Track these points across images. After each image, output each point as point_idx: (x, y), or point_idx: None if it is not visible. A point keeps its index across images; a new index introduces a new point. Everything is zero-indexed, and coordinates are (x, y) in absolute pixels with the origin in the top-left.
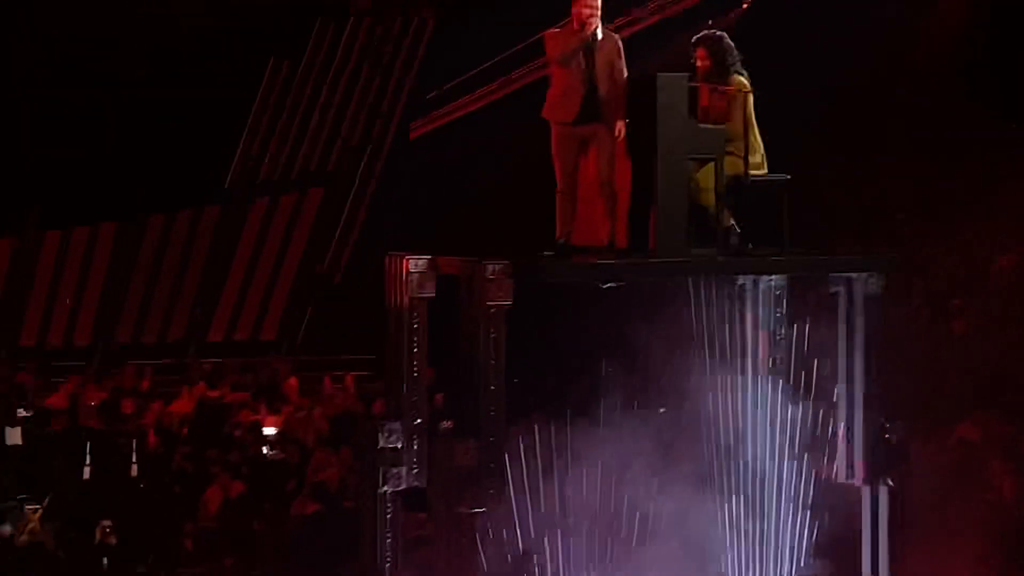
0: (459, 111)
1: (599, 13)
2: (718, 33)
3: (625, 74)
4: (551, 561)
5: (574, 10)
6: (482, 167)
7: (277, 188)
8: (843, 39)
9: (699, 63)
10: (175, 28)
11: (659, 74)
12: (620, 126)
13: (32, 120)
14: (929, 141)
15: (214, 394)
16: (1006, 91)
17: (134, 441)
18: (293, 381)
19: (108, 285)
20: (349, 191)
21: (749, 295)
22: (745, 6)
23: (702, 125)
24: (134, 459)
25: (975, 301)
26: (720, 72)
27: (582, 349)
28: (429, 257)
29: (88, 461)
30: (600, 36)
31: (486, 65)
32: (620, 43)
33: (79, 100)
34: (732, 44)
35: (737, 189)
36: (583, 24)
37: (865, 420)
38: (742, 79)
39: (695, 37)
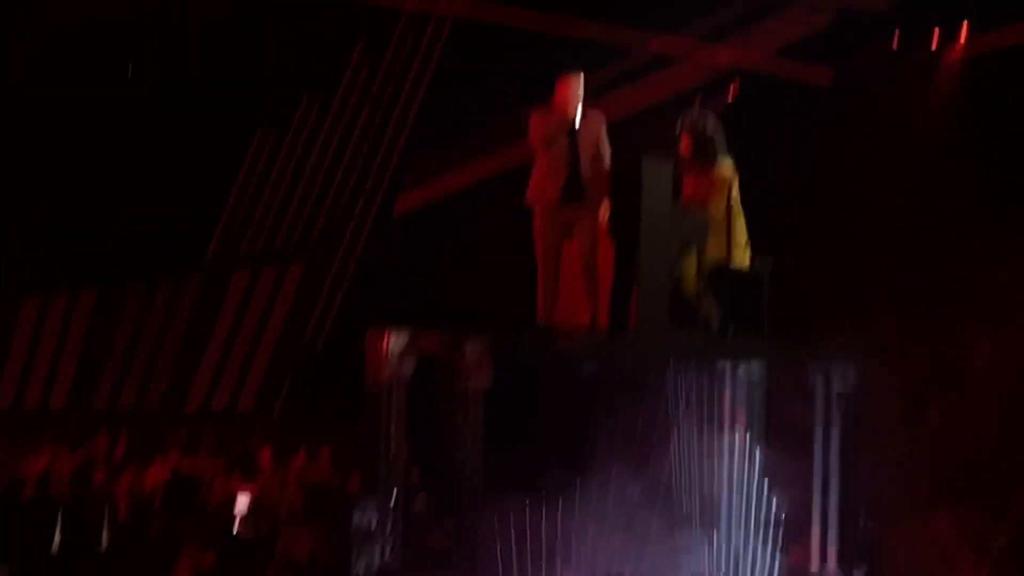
0: (444, 188)
1: (581, 95)
2: (701, 116)
3: (609, 155)
4: None
5: (556, 92)
6: (466, 245)
7: (259, 259)
8: (829, 125)
9: (683, 146)
10: (163, 95)
11: (644, 158)
12: (603, 210)
13: (14, 183)
14: (907, 231)
15: (188, 464)
16: (986, 181)
17: (106, 510)
18: (267, 452)
19: (86, 351)
20: (331, 264)
21: (728, 379)
22: (730, 95)
23: (686, 211)
24: (105, 529)
25: (951, 393)
26: (705, 156)
27: (562, 427)
28: (410, 333)
29: (59, 530)
30: (583, 117)
31: (471, 143)
32: (604, 123)
33: (64, 163)
34: (718, 127)
35: (719, 274)
36: (564, 107)
37: (838, 510)
38: (727, 164)
39: (679, 120)
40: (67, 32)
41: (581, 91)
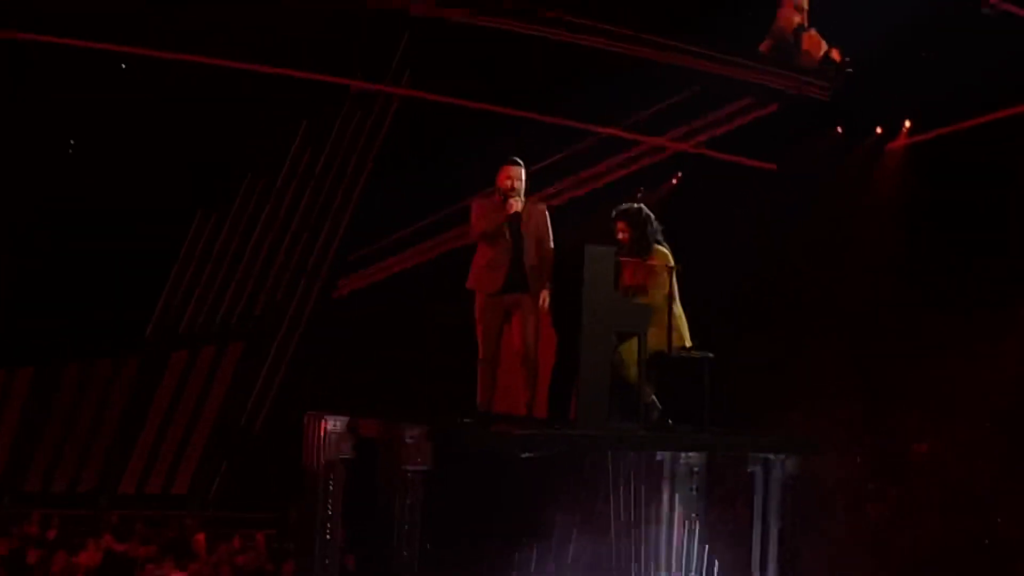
0: (384, 272)
1: (522, 185)
2: (637, 206)
3: (551, 245)
4: None
5: (497, 180)
6: (405, 329)
7: (197, 340)
8: (769, 217)
9: (620, 235)
10: (102, 173)
11: (587, 246)
12: (544, 295)
13: None
14: (850, 324)
15: (121, 547)
16: (929, 280)
17: None
18: (201, 537)
19: (20, 431)
20: (270, 346)
21: (668, 469)
22: (675, 181)
23: (627, 300)
24: None
25: (891, 486)
26: (642, 244)
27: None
28: (348, 418)
29: None
30: (526, 206)
31: (413, 228)
32: (547, 214)
33: (5, 244)
34: (652, 216)
35: (659, 364)
36: (505, 197)
37: None
38: (665, 252)
39: (615, 210)
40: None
41: (523, 179)
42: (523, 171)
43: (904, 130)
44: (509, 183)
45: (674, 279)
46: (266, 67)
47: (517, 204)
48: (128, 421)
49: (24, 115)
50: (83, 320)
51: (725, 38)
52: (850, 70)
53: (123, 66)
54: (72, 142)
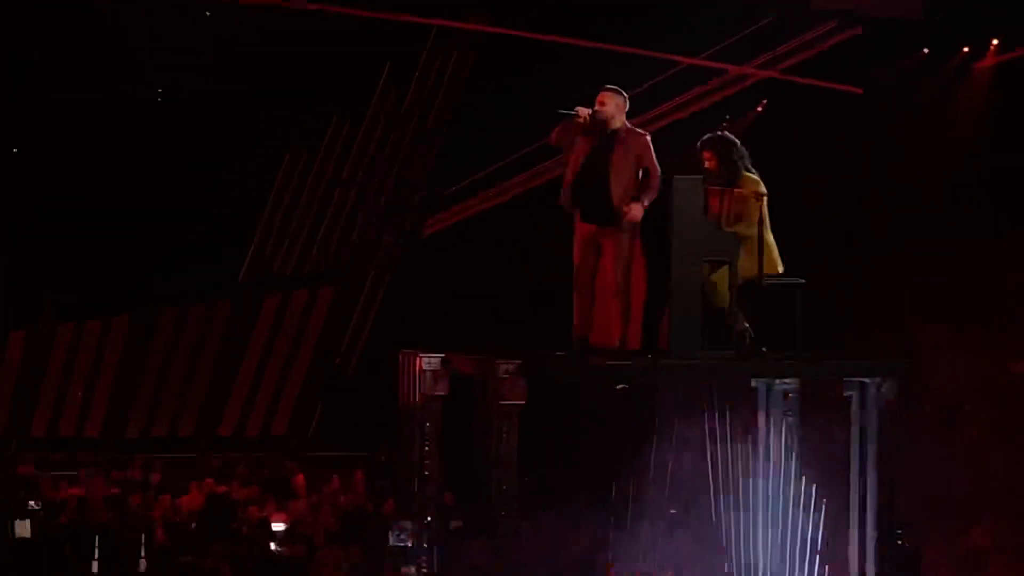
0: (473, 209)
1: (607, 108)
2: (721, 134)
3: (658, 172)
4: None
5: (596, 103)
6: (497, 265)
7: (290, 283)
8: (856, 141)
9: (707, 164)
10: (188, 123)
11: (675, 176)
12: (634, 207)
13: (45, 211)
14: (940, 245)
15: (222, 489)
16: (1016, 197)
17: (143, 535)
18: (301, 477)
19: (119, 378)
20: (362, 288)
21: (762, 396)
22: (760, 109)
23: (717, 228)
24: (142, 554)
25: (986, 407)
26: (730, 172)
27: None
28: (442, 355)
29: (96, 555)
30: (620, 135)
31: (500, 164)
32: (649, 142)
33: (91, 193)
34: (738, 143)
35: (751, 291)
36: (595, 118)
37: (877, 526)
38: (755, 179)
39: (701, 139)
40: (97, 56)
41: (613, 106)
42: (614, 95)
43: (992, 49)
44: (596, 105)
45: (764, 206)
46: (348, 9)
47: (584, 112)
48: (224, 365)
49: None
50: (176, 266)
51: None
52: None
53: (207, 13)
54: (160, 90)
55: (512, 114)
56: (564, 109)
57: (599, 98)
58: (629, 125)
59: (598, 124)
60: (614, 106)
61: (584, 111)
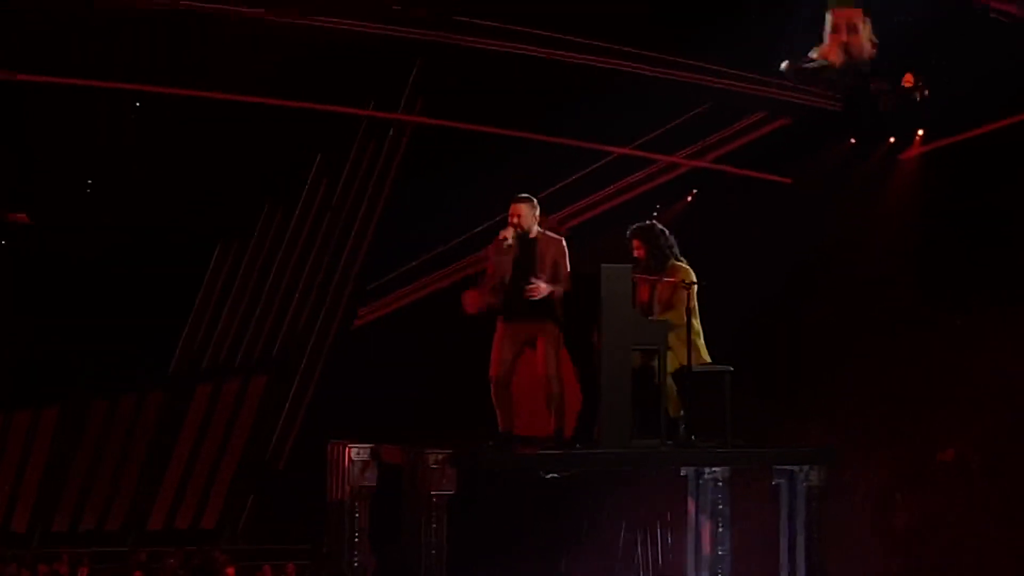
0: (403, 300)
1: (524, 221)
2: (650, 223)
3: (567, 280)
4: None
5: (509, 214)
6: (427, 356)
7: (220, 374)
8: (785, 231)
9: (635, 252)
10: (121, 208)
11: (604, 265)
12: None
13: None
14: (869, 334)
15: None
16: (950, 285)
17: None
18: (231, 571)
19: (48, 470)
20: (293, 379)
21: (693, 484)
22: (690, 198)
23: (646, 316)
24: None
25: (917, 495)
26: (658, 261)
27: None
28: (371, 445)
29: None
30: (540, 241)
31: (430, 255)
32: (564, 246)
33: (20, 288)
34: (667, 232)
35: (681, 379)
36: (503, 236)
37: None
38: (685, 267)
39: (630, 228)
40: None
41: (526, 214)
42: (526, 206)
43: (917, 139)
44: (512, 219)
45: (694, 294)
46: (280, 100)
47: (508, 234)
48: (154, 457)
49: (40, 151)
50: (106, 357)
51: (733, 53)
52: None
53: (137, 104)
54: (89, 181)
55: (442, 205)
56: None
57: (513, 210)
58: (543, 230)
59: (518, 235)
60: (530, 216)
61: (507, 232)
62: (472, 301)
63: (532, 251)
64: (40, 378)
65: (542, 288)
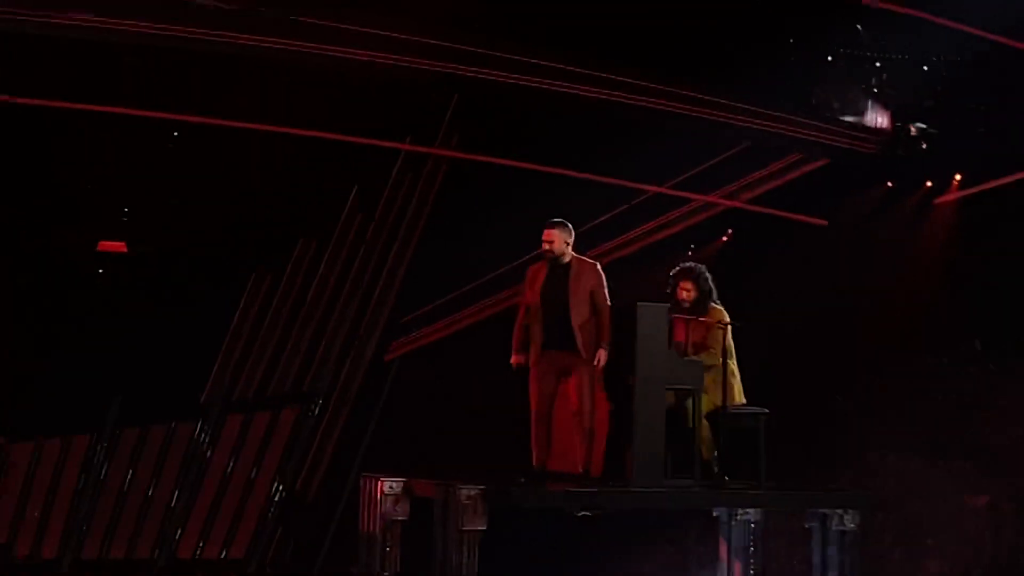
0: (437, 334)
1: (560, 245)
2: (700, 266)
3: (607, 302)
4: None
5: (542, 242)
6: (459, 391)
7: (251, 406)
8: (821, 272)
9: (683, 294)
10: (155, 239)
11: (640, 304)
12: (601, 355)
13: (7, 332)
14: (902, 377)
15: None
16: (983, 331)
17: None
18: None
19: (77, 498)
20: (325, 410)
21: (725, 526)
22: (725, 238)
23: (681, 357)
24: None
25: (950, 541)
26: (702, 302)
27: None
28: (403, 479)
29: None
30: (573, 265)
31: (464, 289)
32: (600, 271)
33: (52, 316)
34: (708, 274)
35: (715, 421)
36: (545, 256)
37: None
38: (720, 309)
39: (678, 268)
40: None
41: (560, 239)
42: (559, 231)
43: (954, 184)
44: (545, 244)
45: (729, 335)
46: (317, 132)
47: (555, 255)
48: (184, 486)
49: (76, 181)
50: (137, 387)
51: (771, 93)
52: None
53: (175, 134)
54: (126, 209)
55: (477, 240)
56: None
57: (546, 235)
58: (578, 256)
59: (550, 260)
60: (562, 241)
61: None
62: (517, 359)
63: (565, 277)
64: (70, 407)
65: (603, 358)
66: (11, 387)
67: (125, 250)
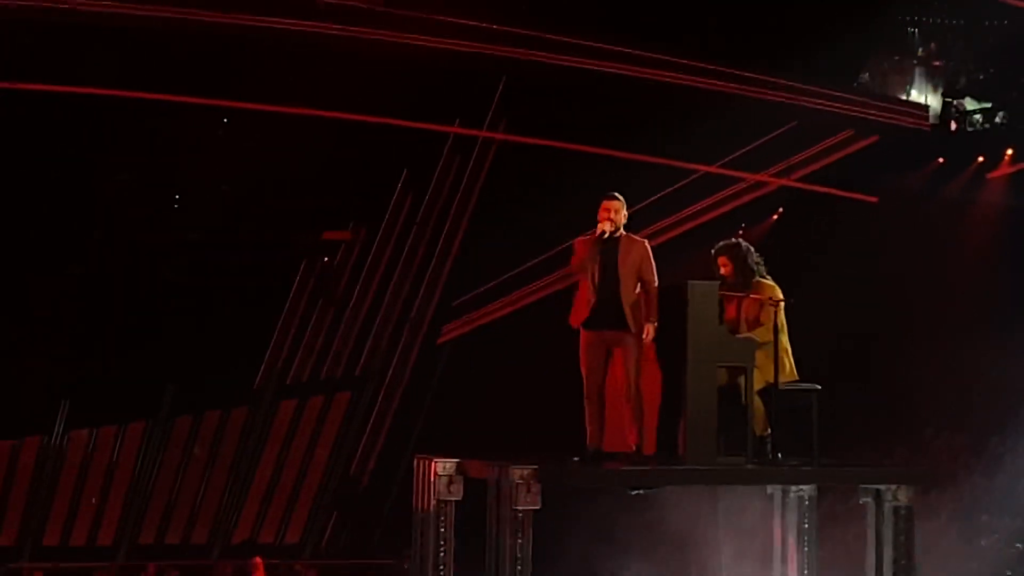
0: (487, 317)
1: (615, 217)
2: (736, 240)
3: (655, 280)
4: None
5: (598, 216)
6: (511, 371)
7: (305, 390)
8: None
9: (722, 270)
10: (208, 226)
11: (690, 282)
12: (648, 330)
13: (61, 318)
14: (959, 354)
15: None
16: None
17: None
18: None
19: (133, 485)
20: (378, 394)
21: (778, 503)
22: (776, 216)
23: (732, 334)
24: None
25: (1004, 517)
26: (744, 278)
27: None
28: (457, 460)
29: None
30: (623, 242)
31: (515, 272)
32: (648, 249)
33: (108, 304)
34: (752, 249)
35: (767, 398)
36: (601, 229)
37: None
38: (771, 285)
39: (716, 246)
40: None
41: (621, 212)
42: (621, 204)
43: (1006, 158)
44: (605, 215)
45: (781, 312)
46: (367, 116)
47: (609, 231)
48: (239, 471)
49: (127, 171)
50: (192, 373)
51: (820, 71)
52: None
53: (225, 120)
54: (177, 196)
55: (527, 222)
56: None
57: (608, 205)
58: (628, 233)
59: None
60: (623, 215)
61: (605, 226)
62: (577, 315)
63: (615, 253)
64: (126, 393)
65: (651, 333)
66: (66, 376)
67: (349, 238)
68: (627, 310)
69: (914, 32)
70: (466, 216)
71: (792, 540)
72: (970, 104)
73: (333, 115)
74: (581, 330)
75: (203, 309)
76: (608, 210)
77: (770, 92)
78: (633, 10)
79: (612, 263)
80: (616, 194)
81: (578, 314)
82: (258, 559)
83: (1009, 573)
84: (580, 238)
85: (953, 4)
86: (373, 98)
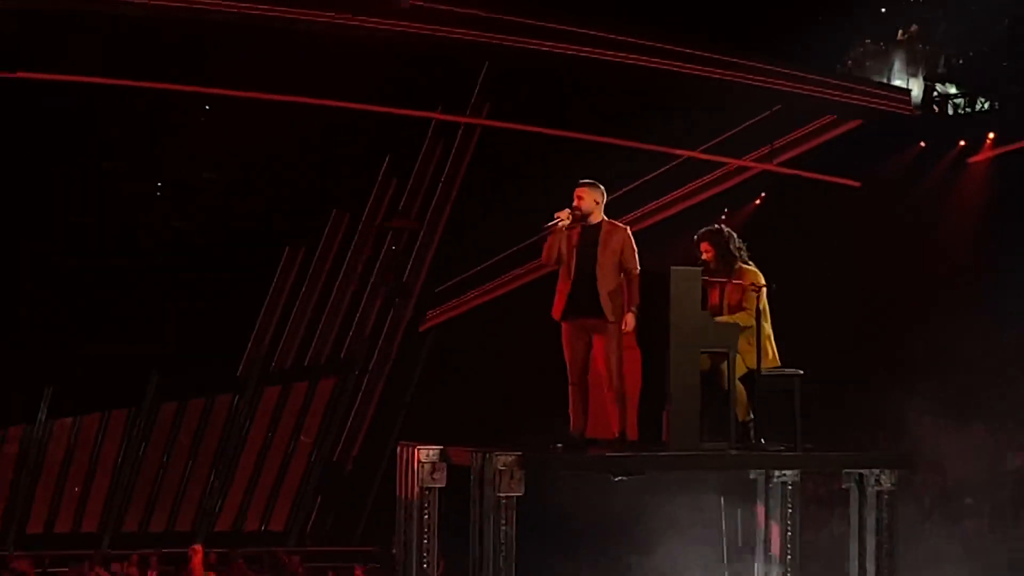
0: (471, 303)
1: (590, 205)
2: (717, 226)
3: (637, 267)
4: None
5: (573, 203)
6: (494, 358)
7: (289, 377)
8: (854, 233)
9: (704, 256)
10: (191, 214)
11: (672, 268)
12: (628, 319)
13: (44, 306)
14: (940, 338)
15: None
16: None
17: None
18: (301, 572)
19: (117, 473)
20: (361, 381)
21: (761, 488)
22: (759, 201)
23: (714, 319)
24: None
25: (987, 500)
26: (726, 264)
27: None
28: (440, 447)
29: None
30: (604, 228)
31: (498, 259)
32: (630, 235)
33: (91, 292)
34: (735, 235)
35: (750, 383)
36: (574, 216)
37: None
38: (754, 271)
39: (698, 232)
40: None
41: (591, 198)
42: (589, 190)
43: (988, 142)
44: (574, 202)
45: (763, 297)
46: (349, 103)
47: (563, 215)
48: (223, 459)
49: (109, 159)
50: (175, 360)
51: (804, 56)
52: None
53: (207, 107)
54: (160, 184)
55: (510, 209)
56: (546, 223)
57: (577, 193)
58: (608, 219)
59: (578, 220)
60: (592, 201)
61: (563, 213)
62: (556, 307)
63: (595, 239)
64: (109, 381)
65: (631, 322)
66: (49, 365)
67: (417, 227)
68: (604, 297)
69: (896, 16)
70: (449, 202)
71: (775, 524)
72: (951, 88)
73: (316, 101)
74: (561, 319)
75: (186, 296)
76: (576, 196)
77: (752, 77)
78: None
79: (591, 250)
80: (588, 180)
81: (557, 306)
82: (198, 546)
83: None
84: (555, 230)
85: None
86: (356, 84)
